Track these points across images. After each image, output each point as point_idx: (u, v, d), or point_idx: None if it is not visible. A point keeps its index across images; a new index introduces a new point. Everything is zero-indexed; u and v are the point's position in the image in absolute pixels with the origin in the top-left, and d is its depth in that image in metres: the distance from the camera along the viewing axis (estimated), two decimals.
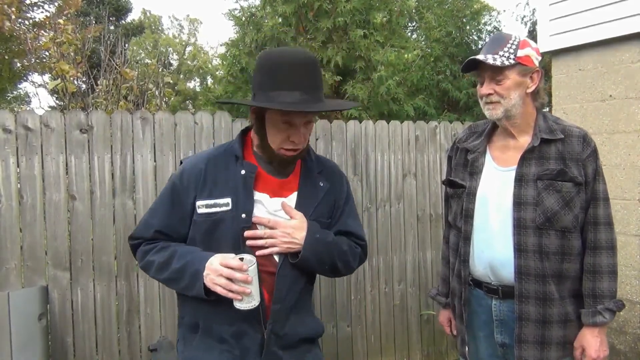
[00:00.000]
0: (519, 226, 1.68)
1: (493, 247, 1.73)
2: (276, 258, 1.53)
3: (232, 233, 1.48)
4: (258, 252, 1.47)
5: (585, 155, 1.68)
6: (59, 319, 2.67)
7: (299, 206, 1.55)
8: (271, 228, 1.49)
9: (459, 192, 1.85)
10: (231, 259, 1.39)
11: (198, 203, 1.49)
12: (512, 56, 1.65)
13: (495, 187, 1.75)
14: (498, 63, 1.64)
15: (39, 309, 2.55)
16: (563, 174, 1.66)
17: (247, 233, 1.48)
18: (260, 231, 1.49)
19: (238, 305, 1.40)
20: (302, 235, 1.50)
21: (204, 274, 1.40)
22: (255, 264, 1.40)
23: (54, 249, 2.67)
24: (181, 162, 1.62)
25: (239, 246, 1.47)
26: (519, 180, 1.69)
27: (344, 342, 3.40)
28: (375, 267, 3.50)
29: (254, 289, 1.40)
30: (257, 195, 1.51)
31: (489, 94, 1.70)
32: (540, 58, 1.74)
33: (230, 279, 1.37)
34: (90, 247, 2.74)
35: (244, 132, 1.61)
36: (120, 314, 2.82)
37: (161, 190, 1.59)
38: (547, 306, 1.68)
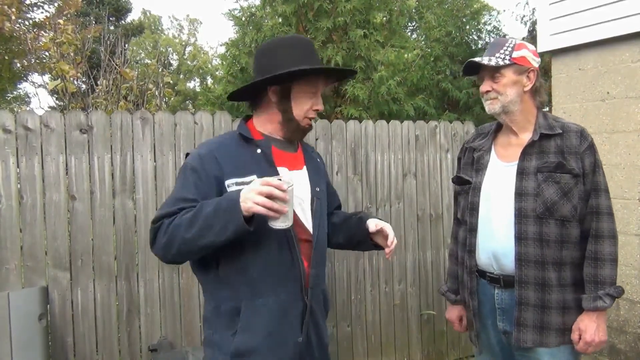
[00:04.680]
0: (519, 216, 1.79)
1: (496, 237, 1.84)
2: (308, 226, 1.64)
3: None
4: None
5: (582, 149, 1.78)
6: (59, 319, 2.67)
7: (311, 179, 1.70)
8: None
9: (465, 187, 1.98)
10: (271, 179, 1.40)
11: (228, 182, 1.53)
12: (507, 57, 1.81)
13: (499, 181, 1.87)
14: (493, 63, 1.81)
15: (39, 309, 2.54)
16: (561, 166, 1.77)
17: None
18: None
19: (274, 224, 1.43)
20: None
21: (241, 200, 1.39)
22: (293, 186, 1.44)
23: (54, 249, 2.67)
24: (187, 155, 1.63)
25: None
26: (520, 173, 1.81)
27: (344, 342, 3.40)
28: (376, 267, 3.50)
29: (290, 209, 1.43)
30: (278, 169, 1.61)
31: (488, 91, 1.86)
32: (538, 59, 1.87)
33: (270, 198, 1.37)
34: (90, 247, 2.74)
35: (245, 121, 1.71)
36: (120, 314, 2.82)
37: (177, 181, 1.57)
38: (545, 292, 1.77)
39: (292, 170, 1.65)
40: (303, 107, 1.61)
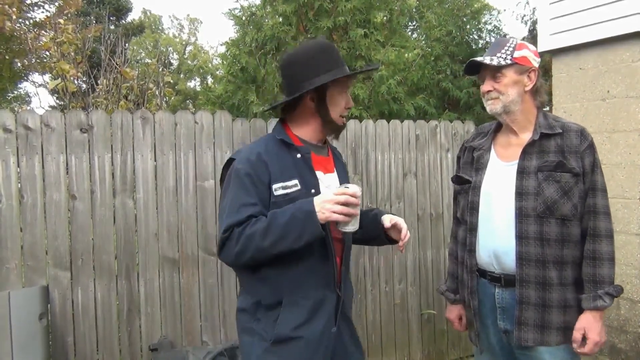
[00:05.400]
0: (520, 215, 1.79)
1: (497, 236, 1.85)
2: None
3: None
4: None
5: (582, 148, 1.79)
6: (59, 318, 2.67)
7: (340, 181, 1.82)
8: None
9: (465, 187, 1.98)
10: (344, 188, 1.55)
11: (274, 186, 1.64)
12: (509, 57, 1.81)
13: (499, 181, 1.87)
14: (494, 63, 1.81)
15: (40, 309, 2.55)
16: (562, 165, 1.77)
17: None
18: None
19: (345, 228, 1.57)
20: None
21: (317, 210, 1.53)
22: (361, 192, 1.59)
23: (54, 248, 2.67)
24: (231, 160, 1.72)
25: None
26: (521, 172, 1.82)
27: None
28: (376, 266, 3.50)
29: (359, 212, 1.59)
30: (316, 173, 1.73)
31: (489, 91, 1.86)
32: (538, 59, 1.88)
33: (345, 205, 1.53)
34: (91, 247, 2.74)
35: (282, 124, 1.80)
36: (120, 314, 2.82)
37: (232, 187, 1.64)
38: (546, 291, 1.78)
39: (327, 173, 1.78)
40: (338, 107, 1.74)
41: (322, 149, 1.82)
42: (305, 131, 1.77)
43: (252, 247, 1.55)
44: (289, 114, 1.79)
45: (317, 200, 1.56)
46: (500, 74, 1.82)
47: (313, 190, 1.67)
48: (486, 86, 1.86)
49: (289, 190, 1.64)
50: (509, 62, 1.80)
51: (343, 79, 1.73)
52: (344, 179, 1.85)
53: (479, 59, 1.85)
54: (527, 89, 1.84)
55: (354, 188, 1.55)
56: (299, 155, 1.71)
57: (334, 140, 3.30)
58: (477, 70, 1.90)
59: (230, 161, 1.73)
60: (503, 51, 1.83)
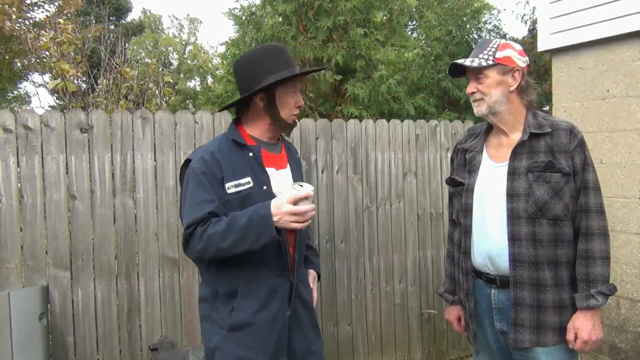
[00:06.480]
0: (512, 217, 1.79)
1: (490, 238, 1.84)
2: None
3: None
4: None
5: (572, 147, 1.78)
6: (59, 318, 2.67)
7: (293, 176, 1.93)
8: None
9: (459, 189, 1.98)
10: (294, 191, 1.63)
11: (227, 185, 1.74)
12: (490, 58, 1.81)
13: (491, 182, 1.87)
14: (475, 64, 1.81)
15: (40, 309, 2.55)
16: (551, 165, 1.77)
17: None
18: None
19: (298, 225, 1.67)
20: None
21: (275, 220, 1.63)
22: (312, 190, 1.67)
23: (54, 248, 2.67)
24: (188, 160, 1.81)
25: None
26: (511, 173, 1.81)
27: (345, 341, 3.40)
28: (376, 266, 3.50)
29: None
30: (267, 170, 1.83)
31: (473, 92, 1.87)
32: (524, 58, 1.87)
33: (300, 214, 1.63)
34: (91, 247, 2.74)
35: (236, 124, 1.90)
36: (120, 313, 2.83)
37: (190, 185, 1.74)
38: (540, 292, 1.77)
39: (279, 169, 1.87)
40: (288, 106, 1.83)
41: (274, 146, 1.90)
42: (257, 130, 1.86)
43: (213, 247, 1.66)
44: (243, 114, 1.89)
45: (274, 205, 1.64)
46: (483, 75, 1.82)
47: (265, 187, 1.78)
48: (470, 88, 1.88)
49: (241, 188, 1.74)
50: (490, 62, 1.80)
51: (292, 80, 1.81)
52: (297, 174, 1.95)
53: (460, 61, 1.86)
54: (512, 88, 1.83)
55: (307, 189, 1.64)
56: (250, 154, 1.80)
57: (333, 140, 3.33)
58: (463, 71, 1.90)
59: (187, 162, 1.82)
60: (485, 52, 1.83)
